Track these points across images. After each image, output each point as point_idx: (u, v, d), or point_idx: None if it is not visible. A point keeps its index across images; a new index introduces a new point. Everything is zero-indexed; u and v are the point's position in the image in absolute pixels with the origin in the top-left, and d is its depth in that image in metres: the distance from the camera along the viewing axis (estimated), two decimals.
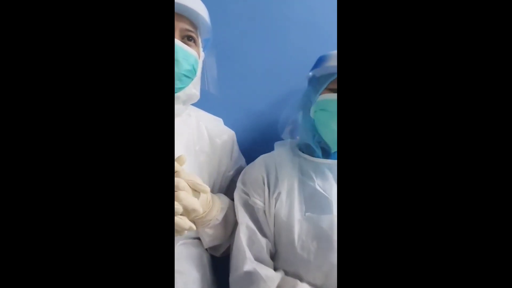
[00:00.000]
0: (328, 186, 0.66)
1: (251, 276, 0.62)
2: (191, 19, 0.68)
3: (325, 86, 0.66)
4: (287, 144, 0.76)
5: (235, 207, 0.72)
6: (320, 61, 0.70)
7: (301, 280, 0.63)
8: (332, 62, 0.66)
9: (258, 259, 0.66)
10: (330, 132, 0.66)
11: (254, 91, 0.95)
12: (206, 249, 0.76)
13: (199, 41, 0.72)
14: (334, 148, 0.68)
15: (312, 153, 0.71)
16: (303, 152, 0.73)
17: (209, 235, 0.70)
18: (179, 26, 0.66)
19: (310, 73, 0.72)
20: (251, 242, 0.67)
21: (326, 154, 0.70)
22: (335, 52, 0.67)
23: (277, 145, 0.79)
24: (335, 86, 0.66)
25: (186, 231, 0.58)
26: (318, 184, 0.67)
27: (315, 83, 0.69)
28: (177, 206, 0.57)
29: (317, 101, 0.67)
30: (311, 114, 0.69)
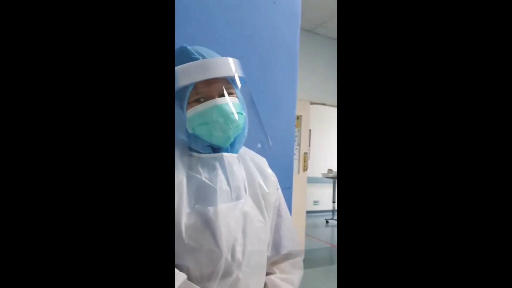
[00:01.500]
0: (214, 176, 0.70)
1: None
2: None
3: (187, 99, 0.70)
4: (177, 144, 0.78)
5: None
6: None
7: (189, 271, 0.64)
8: (182, 76, 0.69)
9: None
10: (218, 138, 0.71)
11: None
12: None
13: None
14: (223, 145, 0.73)
15: (200, 150, 0.74)
16: (191, 150, 0.75)
17: None
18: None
19: None
20: None
21: (215, 149, 0.74)
22: (181, 66, 0.69)
23: None
24: (195, 97, 0.70)
25: None
26: (205, 176, 0.70)
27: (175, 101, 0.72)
28: None
29: (190, 117, 0.71)
30: (190, 130, 0.72)
